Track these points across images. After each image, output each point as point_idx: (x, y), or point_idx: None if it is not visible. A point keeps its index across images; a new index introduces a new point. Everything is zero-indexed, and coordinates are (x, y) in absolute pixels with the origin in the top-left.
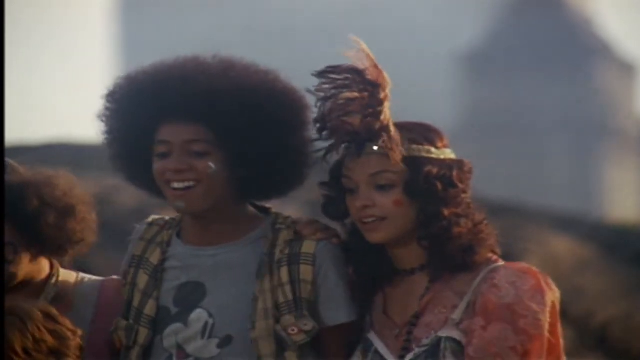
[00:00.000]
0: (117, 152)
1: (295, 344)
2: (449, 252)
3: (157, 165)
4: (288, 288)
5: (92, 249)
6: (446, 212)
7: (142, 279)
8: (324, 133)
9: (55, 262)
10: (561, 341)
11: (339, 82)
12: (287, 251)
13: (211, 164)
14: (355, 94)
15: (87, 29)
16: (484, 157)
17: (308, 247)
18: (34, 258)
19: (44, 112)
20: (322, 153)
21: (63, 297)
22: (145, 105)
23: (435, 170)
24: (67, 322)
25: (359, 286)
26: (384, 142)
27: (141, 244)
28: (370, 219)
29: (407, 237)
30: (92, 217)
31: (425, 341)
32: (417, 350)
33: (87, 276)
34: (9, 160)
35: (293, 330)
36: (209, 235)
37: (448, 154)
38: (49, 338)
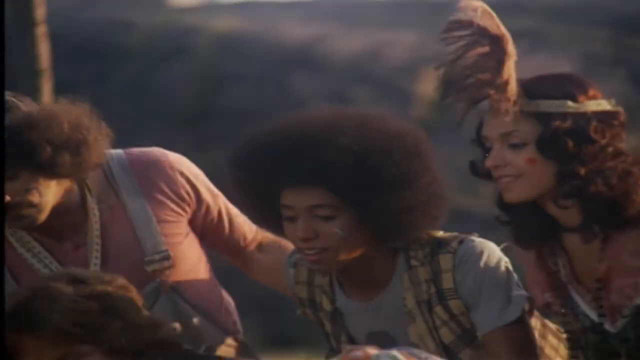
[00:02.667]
0: (248, 210)
1: None
2: (593, 212)
3: (287, 229)
4: (452, 324)
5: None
6: (582, 170)
7: (326, 324)
8: (456, 94)
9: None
10: None
11: (468, 38)
12: (432, 290)
13: (338, 231)
14: (487, 49)
15: None
16: None
17: (447, 282)
18: (59, 182)
19: None
20: (459, 118)
21: (105, 200)
22: (264, 173)
23: (565, 125)
24: (99, 274)
25: (524, 244)
26: (491, 97)
27: (302, 287)
28: (504, 179)
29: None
30: (104, 135)
31: (627, 311)
32: (621, 320)
33: (110, 153)
34: (8, 97)
35: None
36: (364, 288)
37: (592, 106)
38: (92, 305)
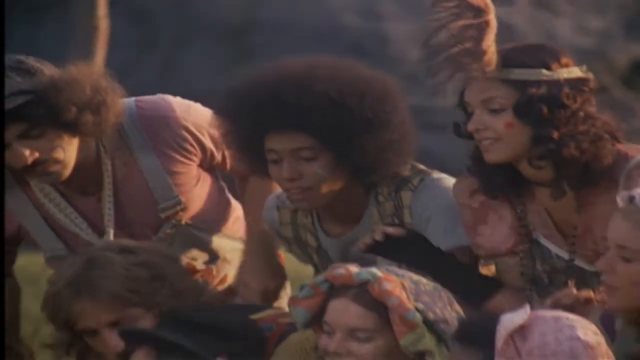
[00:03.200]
0: (236, 153)
1: None
2: (564, 173)
3: (272, 170)
4: None
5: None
6: (556, 134)
7: (314, 257)
8: (440, 62)
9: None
10: None
11: (452, 10)
12: (396, 223)
13: (319, 171)
14: (471, 21)
15: None
16: None
17: (407, 216)
18: (80, 140)
19: None
20: (441, 84)
21: (119, 155)
22: (249, 120)
23: (540, 92)
24: (148, 245)
25: (490, 196)
26: (474, 67)
27: (287, 227)
28: (485, 141)
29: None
30: (119, 96)
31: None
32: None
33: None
34: (30, 61)
35: None
36: (341, 223)
37: (564, 73)
38: (142, 272)
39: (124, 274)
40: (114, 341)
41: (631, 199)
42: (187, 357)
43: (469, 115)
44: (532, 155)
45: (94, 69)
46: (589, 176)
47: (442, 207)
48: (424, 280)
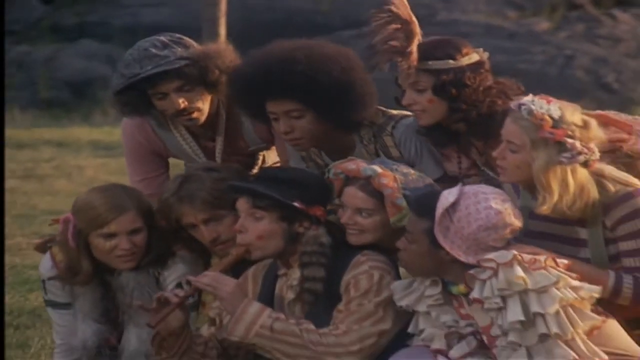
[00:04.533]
0: (244, 113)
1: None
2: (472, 130)
3: (274, 126)
4: None
5: None
6: (463, 106)
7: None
8: (375, 54)
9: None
10: None
11: (385, 18)
12: (383, 157)
13: (306, 126)
14: (398, 26)
15: None
16: None
17: (395, 153)
18: (212, 99)
19: None
20: (376, 67)
21: (228, 110)
22: (252, 92)
23: (449, 77)
24: (227, 165)
25: (439, 147)
26: (403, 63)
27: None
28: (416, 112)
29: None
30: None
31: None
32: None
33: None
34: (186, 38)
35: None
36: (339, 154)
37: (466, 60)
38: (224, 185)
39: (210, 185)
40: (208, 232)
41: (520, 107)
42: (273, 202)
43: (403, 92)
44: (450, 121)
45: (230, 46)
46: (489, 129)
47: (426, 145)
48: (412, 171)
